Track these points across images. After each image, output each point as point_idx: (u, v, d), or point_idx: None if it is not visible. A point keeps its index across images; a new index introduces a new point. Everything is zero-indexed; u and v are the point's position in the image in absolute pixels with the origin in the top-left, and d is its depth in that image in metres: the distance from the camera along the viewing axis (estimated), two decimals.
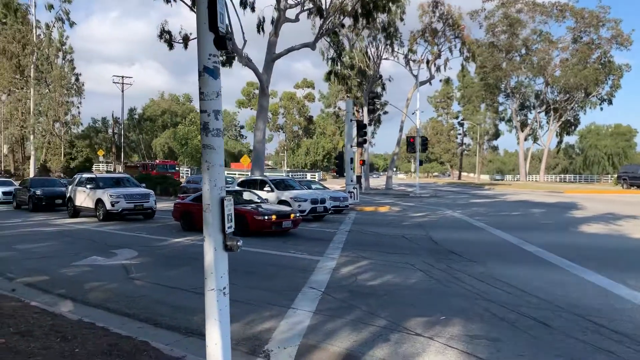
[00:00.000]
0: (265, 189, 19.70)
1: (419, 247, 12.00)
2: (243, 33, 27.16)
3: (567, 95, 68.11)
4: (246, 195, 16.58)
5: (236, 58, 28.31)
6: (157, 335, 5.37)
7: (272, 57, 28.25)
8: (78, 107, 58.11)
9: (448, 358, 4.81)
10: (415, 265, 9.59)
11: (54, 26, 52.71)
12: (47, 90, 54.17)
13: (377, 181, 72.62)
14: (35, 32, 53.98)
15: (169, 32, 28.59)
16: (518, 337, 5.39)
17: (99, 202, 19.18)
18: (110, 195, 18.79)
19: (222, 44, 3.09)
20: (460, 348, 5.06)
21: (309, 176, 67.54)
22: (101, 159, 71.30)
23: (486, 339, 5.34)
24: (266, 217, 13.92)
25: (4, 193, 28.55)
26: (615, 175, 52.56)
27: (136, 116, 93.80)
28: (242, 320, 6.01)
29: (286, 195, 18.91)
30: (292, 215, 14.70)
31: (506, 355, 4.86)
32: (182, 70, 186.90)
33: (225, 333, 3.27)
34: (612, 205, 24.47)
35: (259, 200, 16.20)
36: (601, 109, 70.55)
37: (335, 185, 41.99)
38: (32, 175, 49.60)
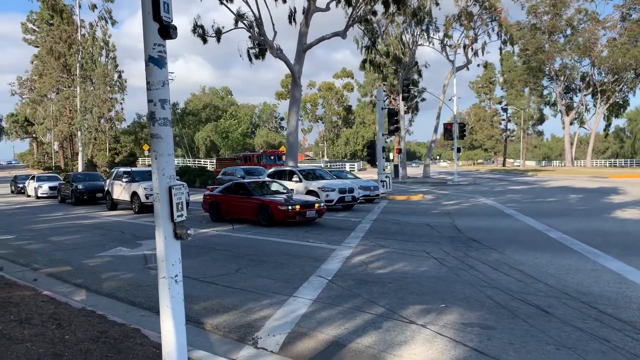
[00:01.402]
0: (294, 179, 19.86)
1: (440, 235, 11.85)
2: (273, 24, 27.42)
3: (615, 76, 65.23)
4: (274, 186, 16.75)
5: (267, 50, 28.53)
6: (156, 323, 5.52)
7: (303, 48, 28.31)
8: (121, 104, 59.97)
9: (435, 346, 4.77)
10: (431, 253, 9.48)
11: (97, 25, 54.31)
12: (92, 87, 56.05)
13: (417, 170, 71.81)
14: (80, 32, 55.96)
15: (201, 27, 29.09)
16: (514, 325, 5.28)
17: (134, 195, 19.82)
18: (145, 188, 19.36)
19: (166, 34, 3.14)
20: (450, 336, 5.00)
21: (347, 166, 67.47)
22: (147, 153, 73.40)
23: (480, 327, 5.26)
24: (290, 207, 14.03)
25: (50, 188, 29.92)
26: None
27: (179, 111, 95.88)
28: (240, 309, 6.12)
29: (314, 185, 18.99)
30: (317, 205, 14.75)
31: (495, 343, 4.77)
32: (224, 64, 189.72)
33: (179, 320, 3.34)
34: None
35: (285, 191, 16.34)
36: None
37: (374, 174, 41.78)
38: (80, 170, 51.64)
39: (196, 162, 75.77)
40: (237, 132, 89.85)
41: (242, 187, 15.84)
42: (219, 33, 29.13)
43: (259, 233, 13.01)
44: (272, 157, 43.39)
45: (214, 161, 58.59)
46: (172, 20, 3.21)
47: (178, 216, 3.25)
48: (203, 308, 6.21)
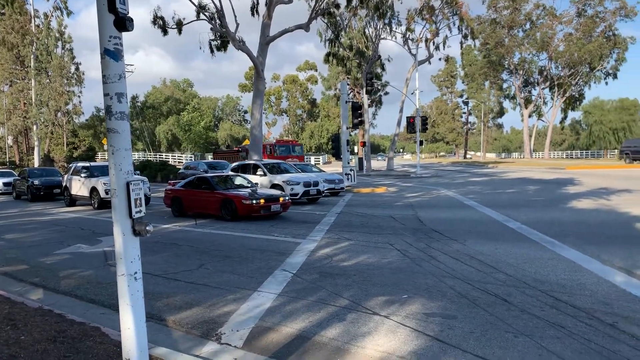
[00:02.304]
0: (258, 173, 19.76)
1: (404, 227, 12.00)
2: (235, 16, 27.12)
3: (571, 70, 67.25)
4: (237, 180, 16.62)
5: (230, 42, 28.21)
6: (116, 321, 5.39)
7: (266, 40, 28.12)
8: (79, 97, 58.17)
9: (397, 336, 4.83)
10: (395, 245, 9.60)
11: (52, 15, 52.56)
12: (48, 80, 54.22)
13: (381, 163, 72.47)
14: (34, 22, 53.94)
15: (162, 18, 28.53)
16: (475, 314, 5.40)
17: (93, 190, 19.34)
18: (104, 184, 18.91)
19: (122, 26, 3.06)
20: (412, 326, 5.08)
21: (312, 159, 67.51)
22: (106, 147, 71.67)
23: (441, 316, 5.36)
24: (254, 202, 13.95)
25: (4, 184, 28.85)
26: (618, 150, 52.04)
27: (139, 104, 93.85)
28: (203, 305, 6.06)
29: (279, 179, 18.94)
30: (282, 199, 14.71)
31: (456, 332, 4.87)
32: (186, 56, 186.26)
33: (139, 317, 3.28)
34: (609, 180, 24.27)
35: (249, 185, 16.24)
36: (606, 83, 69.62)
37: (339, 168, 41.93)
38: (36, 165, 49.97)
39: (158, 156, 74.39)
40: (199, 125, 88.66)
41: (205, 182, 15.65)
42: (179, 25, 28.64)
43: (222, 228, 12.89)
44: (286, 148, 36.97)
45: (179, 155, 57.59)
46: (128, 12, 3.13)
47: (137, 212, 3.18)
48: (165, 305, 6.12)
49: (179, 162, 61.46)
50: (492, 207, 15.17)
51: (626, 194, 17.51)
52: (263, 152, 33.95)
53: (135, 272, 3.24)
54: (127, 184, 3.12)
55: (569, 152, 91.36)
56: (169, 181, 21.06)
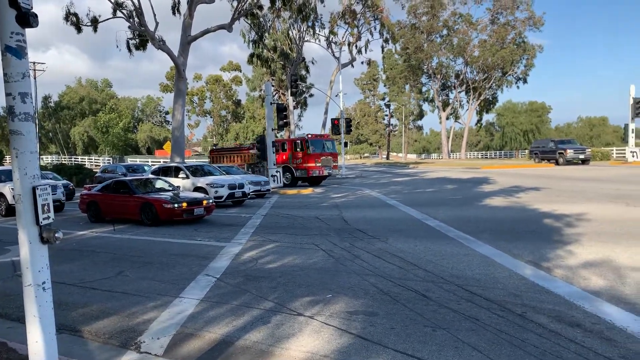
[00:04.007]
0: (180, 175, 19.26)
1: (329, 227, 12.13)
2: (154, 14, 26.30)
3: (486, 74, 70.94)
4: (158, 184, 16.11)
5: (149, 41, 27.32)
6: (25, 335, 5.09)
7: (187, 40, 27.52)
8: None
9: (321, 336, 4.88)
10: (320, 245, 9.68)
11: None
12: None
13: None
14: None
15: (75, 15, 27.15)
16: (396, 310, 5.55)
17: (0, 196, 18.04)
18: (12, 189, 17.65)
19: (25, 21, 2.88)
20: (336, 325, 5.15)
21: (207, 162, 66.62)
22: None
23: (364, 314, 5.47)
24: (176, 205, 13.57)
25: None
26: (528, 150, 55.50)
27: (52, 104, 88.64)
28: (122, 313, 5.82)
29: (202, 181, 18.56)
30: (205, 202, 14.42)
31: (378, 329, 4.99)
32: (103, 55, 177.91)
33: (48, 329, 3.10)
34: (520, 179, 25.82)
35: (171, 188, 15.78)
36: (517, 87, 74.19)
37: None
38: None
39: (73, 159, 70.62)
40: (118, 127, 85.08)
41: (123, 185, 15.04)
42: (95, 22, 27.36)
43: (142, 233, 12.45)
44: (319, 144, 29.60)
45: (97, 158, 54.81)
46: (31, 7, 2.94)
47: (44, 219, 3.00)
48: (81, 315, 5.82)
49: (96, 166, 58.67)
50: (412, 206, 15.69)
51: (535, 191, 18.70)
52: (289, 148, 28.74)
53: (44, 282, 3.05)
54: (33, 189, 2.93)
55: (484, 152, 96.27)
56: (85, 185, 20.04)
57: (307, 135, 29.58)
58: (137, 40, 28.55)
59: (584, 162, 40.17)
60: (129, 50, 28.50)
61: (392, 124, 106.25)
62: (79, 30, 27.33)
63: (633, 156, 39.87)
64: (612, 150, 51.52)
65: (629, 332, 4.58)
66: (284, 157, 29.02)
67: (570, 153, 40.24)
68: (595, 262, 7.35)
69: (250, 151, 30.76)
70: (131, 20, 26.59)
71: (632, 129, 40.33)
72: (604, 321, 4.90)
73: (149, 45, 28.16)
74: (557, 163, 41.05)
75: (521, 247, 8.62)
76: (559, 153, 40.95)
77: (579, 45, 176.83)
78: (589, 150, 42.77)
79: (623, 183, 20.67)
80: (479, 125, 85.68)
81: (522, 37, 68.79)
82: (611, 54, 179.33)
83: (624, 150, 43.45)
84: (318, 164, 28.25)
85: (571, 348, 4.30)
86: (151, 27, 26.13)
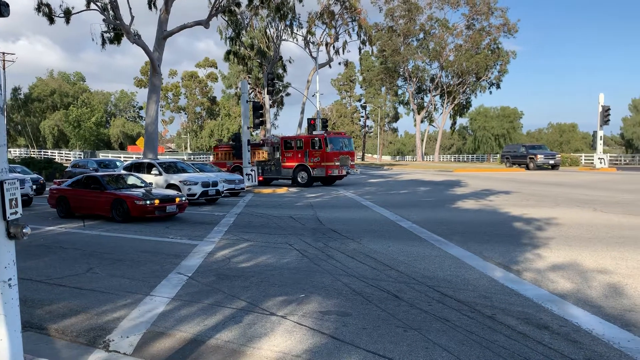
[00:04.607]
0: (153, 172, 19.00)
1: (303, 227, 12.13)
2: (130, 8, 25.87)
3: (460, 79, 71.98)
4: (130, 180, 15.86)
5: (124, 35, 26.87)
6: None
7: (163, 35, 27.15)
8: None
9: (294, 336, 4.87)
10: (294, 245, 9.67)
11: None
12: None
13: None
14: None
15: (47, 5, 26.55)
16: (368, 310, 5.58)
17: None
18: None
19: None
20: (309, 325, 5.14)
21: (212, 159, 66.18)
22: None
23: (337, 314, 5.48)
24: (148, 202, 13.39)
25: None
26: (499, 155, 56.46)
27: (21, 96, 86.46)
28: (91, 311, 5.72)
29: (175, 178, 18.34)
30: (178, 200, 14.26)
31: (350, 329, 5.00)
32: (77, 47, 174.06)
33: (13, 327, 3.02)
34: (491, 183, 26.27)
35: (143, 185, 15.56)
36: (490, 92, 75.46)
37: None
38: None
39: (42, 153, 69.00)
40: (90, 121, 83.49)
41: (94, 181, 14.76)
42: (68, 13, 26.79)
43: (113, 230, 12.24)
44: (338, 142, 27.70)
45: (67, 152, 53.52)
46: None
47: (12, 214, 2.91)
48: (48, 312, 5.69)
49: (66, 160, 57.47)
50: (386, 207, 15.80)
51: (505, 195, 19.04)
52: (306, 146, 27.09)
53: (10, 279, 2.96)
54: (1, 183, 2.85)
55: (456, 155, 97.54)
56: (55, 180, 19.62)
57: (325, 132, 28.48)
58: (111, 33, 28.05)
59: (554, 167, 41.07)
60: (103, 43, 28.02)
61: (367, 126, 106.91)
62: (51, 21, 26.74)
63: (601, 163, 40.91)
64: (581, 156, 52.82)
65: (594, 335, 4.69)
66: (299, 156, 27.39)
67: (540, 158, 41.09)
68: (563, 265, 7.52)
69: (261, 148, 29.42)
70: (106, 13, 26.13)
71: (601, 136, 41.36)
72: (570, 324, 5.02)
73: (124, 39, 27.70)
74: (527, 168, 41.86)
75: (491, 250, 8.76)
76: (530, 158, 41.77)
77: (552, 53, 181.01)
78: (559, 155, 43.73)
79: (591, 189, 21.20)
80: (452, 128, 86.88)
81: (496, 43, 70.05)
82: (582, 62, 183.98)
83: (593, 156, 44.55)
84: (337, 163, 26.96)
85: (539, 350, 4.38)
86: (126, 20, 25.72)
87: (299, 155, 27.51)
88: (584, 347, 4.43)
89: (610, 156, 48.29)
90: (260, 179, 28.52)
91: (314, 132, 29.53)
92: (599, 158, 41.24)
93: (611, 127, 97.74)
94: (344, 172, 27.87)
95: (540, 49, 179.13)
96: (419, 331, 4.90)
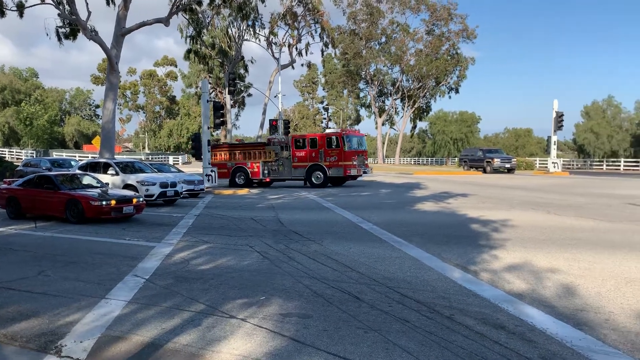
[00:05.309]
0: (109, 172, 18.51)
1: (264, 228, 12.04)
2: (87, 3, 25.15)
3: (420, 83, 73.12)
4: (86, 180, 15.39)
5: (80, 31, 26.07)
6: None
7: (122, 32, 26.51)
8: None
9: (254, 339, 4.81)
10: (255, 246, 9.59)
11: None
12: None
13: None
14: None
15: None
16: (329, 312, 5.57)
17: None
18: None
19: None
20: (269, 328, 5.10)
21: (171, 159, 65.07)
22: None
23: (298, 316, 5.45)
24: (104, 203, 13.02)
25: None
26: (458, 158, 57.70)
27: None
28: (42, 315, 5.50)
29: (132, 179, 17.91)
30: (135, 200, 13.92)
31: (311, 331, 4.98)
32: (30, 42, 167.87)
33: None
34: (450, 185, 26.79)
35: (99, 185, 15.13)
36: (449, 97, 77.32)
37: (199, 168, 40.85)
38: None
39: None
40: (43, 119, 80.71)
41: (47, 180, 14.25)
42: (21, 7, 25.74)
43: (67, 231, 11.85)
44: (353, 140, 26.86)
45: (18, 151, 51.38)
46: None
47: None
48: None
49: (17, 159, 55.34)
50: (348, 209, 15.87)
51: (463, 198, 19.45)
52: (321, 145, 26.03)
53: None
54: None
55: (416, 158, 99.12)
56: (4, 179, 18.86)
57: (341, 129, 27.66)
58: (67, 29, 27.15)
59: (510, 171, 42.26)
60: (59, 39, 27.07)
61: (330, 127, 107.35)
62: (2, 14, 25.67)
63: (554, 167, 42.34)
64: (536, 160, 54.58)
65: (548, 334, 4.82)
66: (313, 155, 26.32)
67: (497, 162, 42.21)
68: (519, 266, 7.71)
69: (266, 147, 27.91)
70: (61, 7, 25.29)
71: (554, 141, 42.81)
72: (526, 323, 5.14)
73: (80, 35, 26.87)
74: (484, 171, 42.92)
75: (450, 251, 8.91)
76: (487, 162, 42.85)
77: (509, 59, 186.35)
78: (515, 160, 45.07)
79: (545, 192, 21.90)
80: (412, 132, 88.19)
81: (455, 49, 71.51)
82: (537, 69, 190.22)
83: (547, 160, 46.06)
84: (355, 162, 26.28)
85: (495, 349, 4.47)
86: (83, 16, 24.95)
87: (313, 155, 26.38)
88: (538, 346, 4.55)
89: (563, 161, 50.02)
90: (267, 180, 27.76)
91: (328, 130, 29.06)
92: (552, 162, 42.67)
93: (564, 133, 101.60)
94: (361, 172, 27.27)
95: (498, 55, 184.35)
96: (379, 332, 4.92)
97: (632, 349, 4.47)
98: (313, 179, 26.42)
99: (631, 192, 21.85)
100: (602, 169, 52.39)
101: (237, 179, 27.94)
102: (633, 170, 50.12)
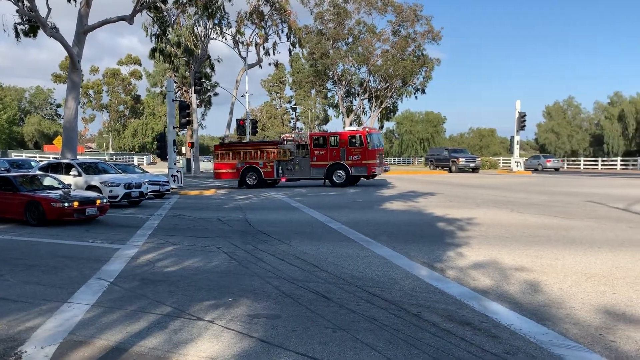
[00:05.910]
0: (72, 173, 18.04)
1: (231, 229, 11.94)
2: (47, 0, 24.41)
3: (387, 84, 73.66)
4: (47, 181, 14.97)
5: (40, 28, 25.33)
6: None
7: (84, 29, 25.87)
8: None
9: (221, 340, 4.76)
10: (222, 247, 9.49)
11: None
12: None
13: (210, 164, 71.32)
14: None
15: None
16: (297, 312, 5.56)
17: None
18: None
19: None
20: (237, 329, 5.05)
21: (136, 160, 63.90)
22: None
23: (266, 317, 5.42)
24: (66, 204, 12.68)
25: None
26: (424, 158, 58.50)
27: None
28: (1, 321, 5.31)
29: (96, 180, 17.51)
30: (99, 202, 13.60)
31: (280, 332, 4.96)
32: None
33: None
34: (416, 184, 27.12)
35: (61, 186, 14.73)
36: (416, 97, 78.14)
37: (165, 169, 40.19)
38: None
39: None
40: (2, 118, 78.12)
41: (6, 182, 13.79)
42: None
43: (27, 234, 11.50)
44: (377, 139, 27.15)
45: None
46: None
47: None
48: None
49: None
50: (316, 208, 15.88)
51: (430, 196, 19.71)
52: (343, 143, 25.50)
53: None
54: None
55: (384, 157, 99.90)
56: None
57: (362, 127, 27.04)
58: (26, 26, 26.31)
59: (474, 170, 43.07)
60: (17, 36, 26.23)
61: (297, 127, 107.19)
62: None
63: (517, 166, 43.35)
64: (499, 159, 55.79)
65: (512, 330, 4.93)
66: (334, 154, 25.75)
67: (462, 161, 42.98)
68: (484, 263, 7.86)
69: (279, 146, 27.06)
70: (19, 3, 24.50)
71: (517, 141, 43.83)
72: (491, 319, 5.24)
73: (40, 32, 26.10)
74: (450, 170, 43.64)
75: (417, 249, 9.01)
76: (452, 161, 43.58)
77: (473, 60, 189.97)
78: (479, 159, 45.95)
79: (508, 190, 22.40)
80: (380, 132, 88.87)
81: (421, 50, 72.32)
82: (500, 71, 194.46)
83: (510, 160, 47.13)
84: (377, 161, 25.99)
85: (462, 346, 4.54)
86: (43, 12, 24.24)
87: (334, 154, 25.80)
88: (503, 341, 4.64)
89: (526, 160, 51.24)
90: (283, 179, 27.07)
91: (347, 128, 28.94)
92: (515, 162, 43.68)
93: (527, 133, 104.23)
94: (382, 170, 27.12)
95: (462, 56, 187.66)
96: (347, 331, 4.94)
97: (592, 342, 4.61)
98: (334, 178, 25.85)
99: (591, 190, 22.55)
100: (563, 167, 53.91)
101: (247, 179, 26.91)
102: (592, 169, 51.78)
